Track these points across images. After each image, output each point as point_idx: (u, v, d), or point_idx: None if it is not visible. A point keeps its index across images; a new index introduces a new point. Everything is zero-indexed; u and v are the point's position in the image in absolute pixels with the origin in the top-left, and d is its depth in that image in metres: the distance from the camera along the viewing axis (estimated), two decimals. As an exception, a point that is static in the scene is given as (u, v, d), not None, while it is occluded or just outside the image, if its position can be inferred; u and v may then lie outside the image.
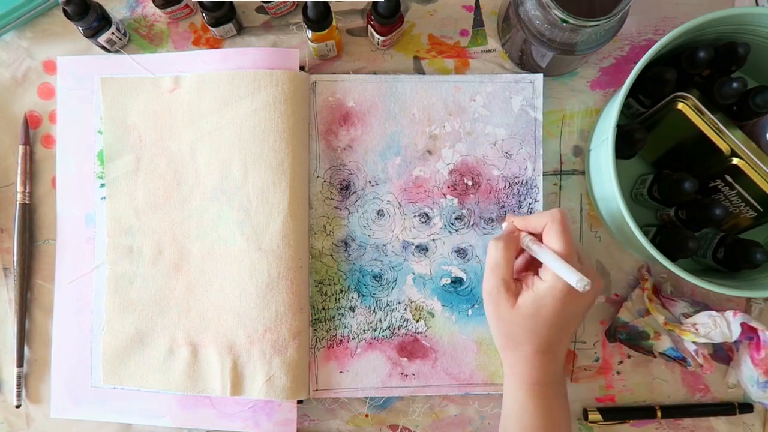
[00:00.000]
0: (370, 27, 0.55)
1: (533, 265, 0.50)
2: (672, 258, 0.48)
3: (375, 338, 0.56)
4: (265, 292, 0.53)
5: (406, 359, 0.56)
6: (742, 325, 0.51)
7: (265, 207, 0.54)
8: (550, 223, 0.47)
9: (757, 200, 0.51)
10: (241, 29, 0.58)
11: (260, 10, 0.59)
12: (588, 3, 0.46)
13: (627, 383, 0.58)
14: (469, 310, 0.57)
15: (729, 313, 0.51)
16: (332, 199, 0.57)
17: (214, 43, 0.58)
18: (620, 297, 0.58)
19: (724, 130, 0.50)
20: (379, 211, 0.57)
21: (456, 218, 0.57)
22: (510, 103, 0.57)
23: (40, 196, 0.58)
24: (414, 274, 0.57)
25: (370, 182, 0.57)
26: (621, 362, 0.58)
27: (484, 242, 0.57)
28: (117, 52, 0.58)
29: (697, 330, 0.51)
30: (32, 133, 0.58)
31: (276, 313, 0.53)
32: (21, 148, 0.57)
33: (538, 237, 0.49)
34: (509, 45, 0.56)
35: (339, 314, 0.56)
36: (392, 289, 0.57)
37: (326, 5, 0.51)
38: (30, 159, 0.58)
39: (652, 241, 0.54)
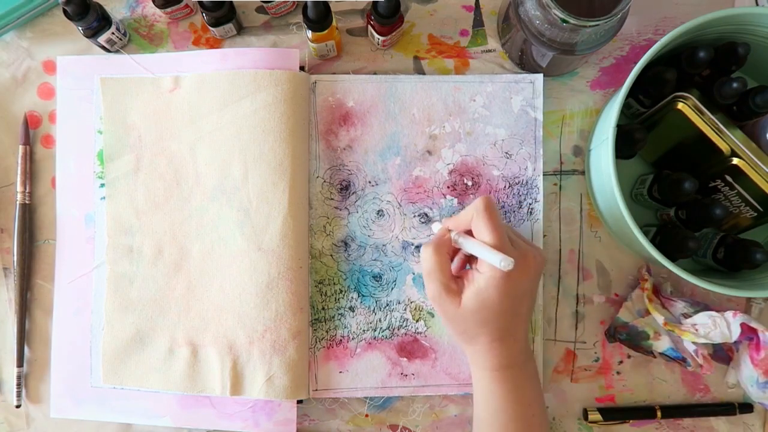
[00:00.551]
0: (370, 27, 0.55)
1: (473, 260, 0.49)
2: (672, 258, 0.48)
3: (375, 338, 0.56)
4: (265, 292, 0.53)
5: (405, 359, 0.56)
6: (742, 325, 0.51)
7: (265, 207, 0.54)
8: (475, 214, 0.47)
9: (757, 200, 0.51)
10: (241, 29, 0.58)
11: (260, 10, 0.59)
12: (588, 3, 0.46)
13: (627, 383, 0.58)
14: (469, 310, 0.57)
15: (729, 314, 0.51)
16: (332, 199, 0.57)
17: (214, 43, 0.58)
18: (620, 297, 0.58)
19: (724, 130, 0.50)
20: (378, 211, 0.57)
21: (456, 218, 0.57)
22: (510, 103, 0.57)
23: (40, 196, 0.58)
24: (414, 274, 0.57)
25: (369, 182, 0.57)
26: (621, 362, 0.58)
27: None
28: (117, 52, 0.58)
29: (696, 330, 0.51)
30: (32, 133, 0.58)
31: (276, 313, 0.53)
32: (21, 148, 0.57)
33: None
34: (509, 45, 0.56)
35: (339, 314, 0.56)
36: (392, 289, 0.57)
37: (326, 5, 0.51)
38: (30, 159, 0.58)
39: (652, 241, 0.54)
